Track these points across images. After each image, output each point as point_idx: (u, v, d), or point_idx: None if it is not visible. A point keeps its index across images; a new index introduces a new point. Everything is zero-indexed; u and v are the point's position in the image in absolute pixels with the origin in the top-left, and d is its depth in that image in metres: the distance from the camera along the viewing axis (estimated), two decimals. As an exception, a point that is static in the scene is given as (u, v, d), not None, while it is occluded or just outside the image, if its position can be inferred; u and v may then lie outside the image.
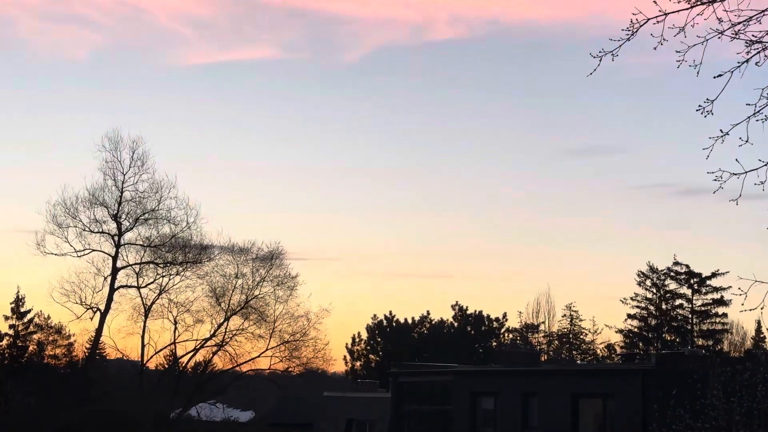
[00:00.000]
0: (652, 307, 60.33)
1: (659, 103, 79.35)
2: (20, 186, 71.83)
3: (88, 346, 46.96)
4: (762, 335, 57.82)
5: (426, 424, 41.28)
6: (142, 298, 45.53)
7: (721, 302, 57.49)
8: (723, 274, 57.27)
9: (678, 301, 60.08)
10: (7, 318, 50.00)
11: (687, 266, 58.29)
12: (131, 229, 45.33)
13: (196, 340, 46.48)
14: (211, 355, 47.14)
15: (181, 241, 45.42)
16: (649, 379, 30.77)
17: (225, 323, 45.41)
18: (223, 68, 72.74)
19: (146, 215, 45.30)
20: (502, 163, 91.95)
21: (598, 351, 65.23)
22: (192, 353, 46.86)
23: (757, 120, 7.47)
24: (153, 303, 45.34)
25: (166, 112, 72.94)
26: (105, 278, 44.12)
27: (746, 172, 7.63)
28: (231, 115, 74.55)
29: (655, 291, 60.22)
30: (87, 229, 44.80)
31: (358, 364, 69.25)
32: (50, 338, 51.99)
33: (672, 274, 59.46)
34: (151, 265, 45.61)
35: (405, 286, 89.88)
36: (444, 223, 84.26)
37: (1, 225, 68.75)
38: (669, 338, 59.41)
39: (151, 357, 46.18)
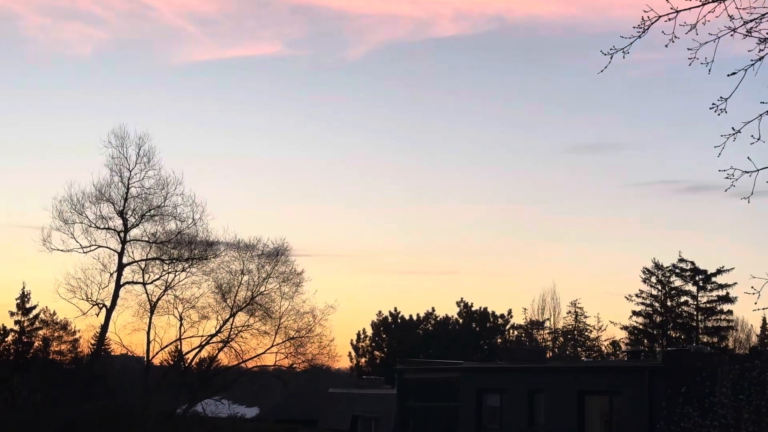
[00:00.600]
0: (657, 304, 59.98)
1: (664, 100, 79.46)
2: (26, 182, 72.15)
3: (93, 342, 46.80)
4: (767, 332, 57.44)
5: (431, 421, 41.12)
6: (147, 295, 44.94)
7: (727, 299, 57.14)
8: (728, 270, 56.86)
9: (683, 298, 59.83)
10: (12, 314, 49.82)
11: (692, 263, 57.89)
12: (137, 225, 44.76)
13: (202, 336, 46.02)
14: (216, 351, 46.68)
15: (187, 238, 44.82)
16: (655, 377, 30.53)
17: (231, 319, 45.03)
18: (227, 65, 72.78)
19: (152, 212, 44.75)
20: (507, 160, 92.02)
21: (603, 348, 64.97)
22: (197, 349, 46.46)
23: None
24: (159, 299, 44.88)
25: (171, 109, 73.04)
26: (111, 274, 43.66)
27: (758, 170, 7.53)
28: (236, 111, 74.43)
29: (660, 288, 59.83)
30: (93, 225, 44.22)
31: (363, 360, 69.66)
32: (56, 334, 51.69)
33: (677, 270, 59.13)
34: (157, 262, 45.10)
35: (410, 283, 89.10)
36: (450, 220, 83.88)
37: (7, 221, 68.55)
38: (674, 335, 58.98)
39: (157, 353, 45.58)
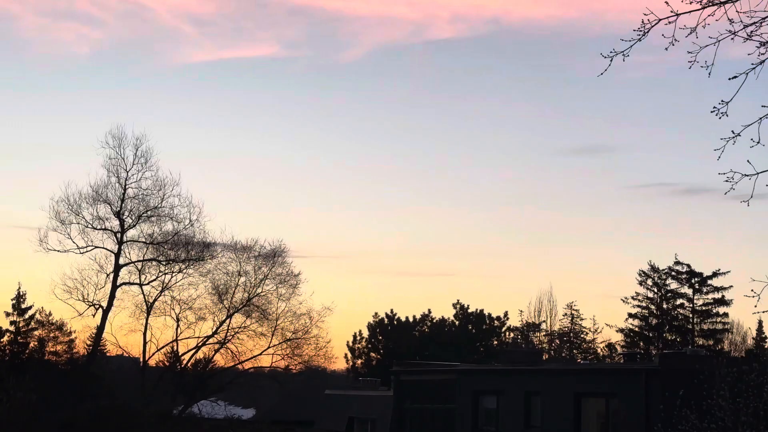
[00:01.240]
0: (653, 307, 59.91)
1: (661, 103, 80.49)
2: (22, 183, 72.43)
3: (89, 342, 46.77)
4: (764, 335, 56.86)
5: (428, 423, 40.82)
6: (144, 296, 44.90)
7: (722, 302, 57.31)
8: (724, 273, 57.00)
9: (679, 301, 59.67)
10: (8, 314, 49.84)
11: (688, 266, 57.95)
12: (134, 226, 44.62)
13: (198, 337, 46.32)
14: (213, 352, 46.62)
15: (183, 239, 44.85)
16: (652, 379, 30.49)
17: (227, 321, 45.00)
18: (224, 66, 72.72)
19: (149, 212, 44.65)
20: (504, 162, 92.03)
21: (599, 350, 64.98)
22: (194, 351, 46.36)
23: None
24: (155, 300, 44.80)
25: (168, 110, 73.69)
26: (107, 275, 43.62)
27: (758, 174, 7.66)
28: (233, 112, 74.98)
29: (656, 290, 59.78)
30: (90, 225, 44.21)
31: (359, 362, 68.42)
32: (51, 335, 51.34)
33: (673, 273, 59.03)
34: (154, 263, 45.00)
35: (407, 285, 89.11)
36: (446, 222, 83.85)
37: (4, 221, 68.78)
38: (670, 338, 59.03)
39: (153, 354, 45.58)
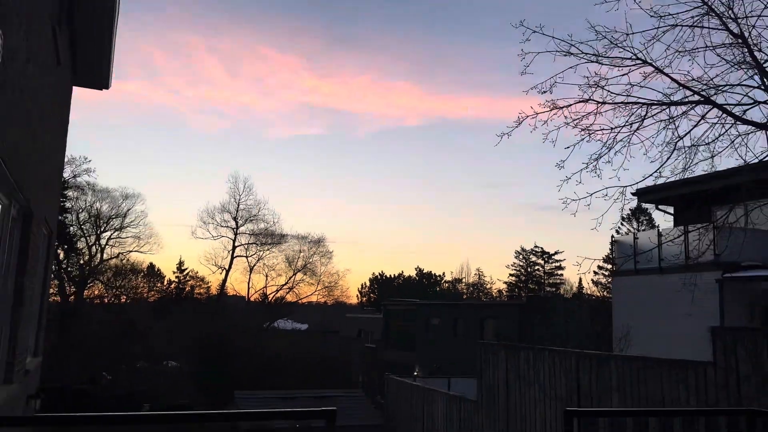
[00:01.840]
0: (522, 269, 69.47)
1: (534, 159, 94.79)
2: (185, 200, 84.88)
3: (218, 288, 56.96)
4: (581, 287, 62.34)
5: (401, 333, 44.62)
6: (248, 263, 57.48)
7: (560, 268, 67.59)
8: (561, 252, 67.70)
9: (536, 267, 68.86)
10: (174, 273, 58.68)
11: (542, 248, 68.57)
12: (243, 225, 56.88)
13: (277, 286, 59.13)
14: (285, 293, 58.14)
15: (270, 232, 57.15)
16: (522, 309, 34.61)
17: (293, 276, 58.17)
18: (295, 139, 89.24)
19: (251, 218, 57.12)
20: (438, 193, 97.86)
21: (494, 293, 73.63)
22: (275, 293, 58.22)
23: (587, 171, 8.83)
24: (254, 265, 57.36)
25: (265, 162, 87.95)
26: (229, 251, 56.53)
27: (579, 199, 8.69)
28: (299, 165, 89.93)
29: (524, 260, 69.24)
30: (219, 224, 56.68)
31: (364, 299, 77.48)
32: (197, 284, 57.85)
33: (534, 251, 68.76)
34: (254, 245, 57.46)
35: (391, 255, 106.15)
36: (416, 218, 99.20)
37: (171, 222, 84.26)
38: (532, 287, 67.21)
39: (252, 294, 57.65)
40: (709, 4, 8.38)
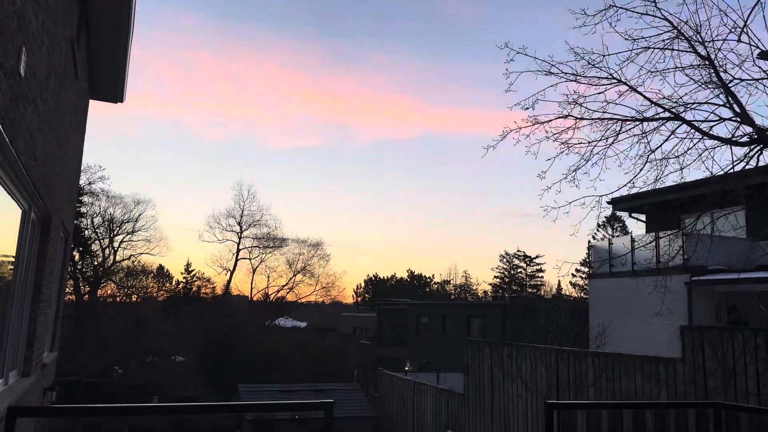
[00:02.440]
0: (506, 272, 69.45)
1: (515, 166, 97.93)
2: (191, 206, 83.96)
3: (222, 288, 57.28)
4: (560, 288, 63.78)
5: (393, 330, 44.39)
6: (251, 264, 57.65)
7: (541, 270, 67.97)
8: (543, 255, 67.98)
9: (519, 269, 68.80)
10: (182, 273, 58.76)
11: (524, 252, 69.00)
12: (247, 229, 56.80)
13: (278, 286, 59.13)
14: (286, 293, 57.60)
15: (272, 236, 57.08)
16: (506, 309, 33.95)
17: (293, 277, 57.35)
18: (295, 149, 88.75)
19: (255, 222, 56.93)
20: (426, 202, 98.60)
21: (480, 294, 73.73)
22: (276, 292, 57.64)
23: (567, 181, 8.94)
24: (257, 267, 57.15)
25: (265, 171, 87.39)
26: (233, 254, 56.72)
27: (559, 207, 8.75)
28: (299, 174, 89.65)
29: (508, 263, 69.29)
30: (225, 229, 56.88)
31: (359, 299, 78.17)
32: (203, 284, 57.79)
33: (517, 255, 68.97)
34: (257, 248, 57.12)
35: (383, 257, 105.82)
36: (406, 224, 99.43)
37: (179, 226, 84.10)
38: (515, 288, 67.44)
39: (255, 294, 57.48)
40: (679, 28, 8.48)
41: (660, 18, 8.46)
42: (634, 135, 8.83)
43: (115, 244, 50.56)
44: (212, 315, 43.92)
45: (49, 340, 9.15)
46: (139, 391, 31.56)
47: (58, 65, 5.81)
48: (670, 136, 8.64)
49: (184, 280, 57.65)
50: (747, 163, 8.22)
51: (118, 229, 50.50)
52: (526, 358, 14.48)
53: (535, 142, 9.00)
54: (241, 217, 56.46)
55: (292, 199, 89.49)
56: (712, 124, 8.47)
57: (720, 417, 5.45)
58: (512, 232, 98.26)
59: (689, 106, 8.59)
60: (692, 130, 8.53)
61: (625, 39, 8.60)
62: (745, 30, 7.95)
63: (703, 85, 8.47)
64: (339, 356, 39.77)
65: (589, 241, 22.91)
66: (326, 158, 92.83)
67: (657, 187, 8.95)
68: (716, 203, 9.10)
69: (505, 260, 68.60)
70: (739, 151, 8.39)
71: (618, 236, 44.03)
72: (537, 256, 67.35)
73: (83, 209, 45.49)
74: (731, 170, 8.38)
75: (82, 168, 12.90)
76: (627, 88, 8.78)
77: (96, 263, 48.46)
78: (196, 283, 57.39)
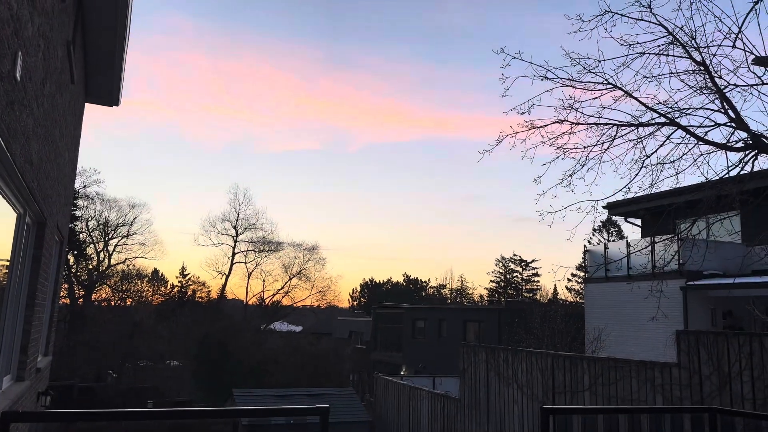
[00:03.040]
0: (502, 276, 68.85)
1: (509, 168, 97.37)
2: (188, 210, 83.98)
3: (218, 292, 56.36)
4: (556, 293, 63.70)
5: (389, 334, 44.37)
6: (247, 268, 56.63)
7: (537, 275, 67.83)
8: (538, 260, 67.71)
9: (515, 274, 68.23)
10: (177, 277, 59.26)
11: (520, 256, 68.90)
12: (243, 233, 56.36)
13: (274, 290, 57.13)
14: (281, 297, 56.47)
15: (267, 240, 56.62)
16: (502, 313, 34.22)
17: (288, 281, 56.74)
18: (291, 153, 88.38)
19: (250, 226, 56.57)
20: (423, 208, 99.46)
21: (476, 298, 74.06)
22: (271, 297, 56.39)
23: (562, 186, 8.90)
24: (252, 271, 56.13)
25: (261, 175, 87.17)
26: (229, 258, 55.73)
27: (555, 211, 8.73)
28: (295, 177, 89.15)
29: (504, 267, 68.73)
30: (220, 232, 56.57)
31: (355, 303, 76.97)
32: (198, 288, 57.43)
33: (513, 259, 68.69)
34: (253, 252, 56.37)
35: (380, 263, 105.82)
36: (407, 233, 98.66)
37: (175, 229, 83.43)
38: (510, 292, 66.95)
39: (250, 298, 55.97)
40: (674, 34, 8.48)
41: (655, 23, 8.49)
42: (630, 140, 8.86)
43: (110, 248, 50.51)
44: (207, 319, 43.37)
45: (43, 345, 9.12)
46: (134, 395, 31.34)
47: (54, 69, 5.81)
48: (665, 141, 8.67)
49: (179, 284, 57.56)
50: (742, 168, 8.25)
51: (113, 232, 50.50)
52: (521, 362, 14.48)
53: (531, 147, 9.00)
54: (237, 220, 56.52)
55: (288, 203, 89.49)
56: (707, 129, 8.51)
57: (715, 422, 5.47)
58: (508, 236, 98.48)
59: (684, 111, 8.62)
60: (687, 135, 8.55)
61: (621, 44, 8.63)
62: (739, 36, 7.96)
63: (698, 91, 8.48)
64: (334, 361, 39.55)
65: (584, 246, 22.99)
66: (323, 161, 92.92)
67: (652, 192, 8.96)
68: (711, 208, 9.12)
69: (501, 264, 69.06)
70: (734, 157, 8.42)
71: (614, 241, 44.07)
72: (533, 261, 67.99)
73: (78, 213, 45.46)
74: (726, 175, 8.39)
75: (77, 171, 12.87)
76: (622, 93, 8.80)
77: (91, 267, 48.33)
78: (191, 287, 57.40)
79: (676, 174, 8.60)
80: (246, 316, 51.53)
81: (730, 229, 14.40)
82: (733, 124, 8.29)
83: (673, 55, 8.50)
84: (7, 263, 5.50)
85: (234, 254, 56.05)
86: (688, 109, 8.56)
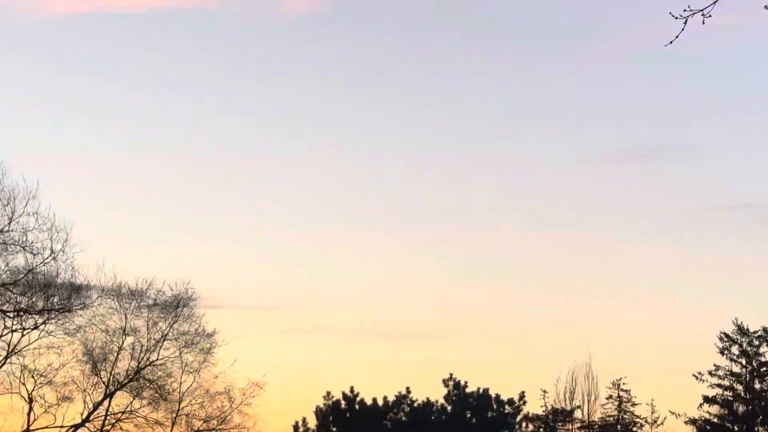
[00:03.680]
0: (739, 387, 40.98)
1: (740, 88, 52.56)
2: None
3: None
4: None
5: None
6: None
7: None
8: None
9: None
10: None
11: None
12: None
13: (62, 426, 30.27)
14: None
15: (42, 279, 29.09)
16: None
17: (106, 402, 30.44)
18: (98, 19, 43.95)
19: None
20: (507, 172, 56.12)
21: None
22: None
23: None
24: None
25: (14, 82, 44.97)
26: None
27: None
28: (118, 93, 46.52)
29: (744, 362, 40.69)
30: None
31: None
32: None
33: None
34: None
35: (374, 350, 53.94)
36: (427, 259, 52.78)
37: None
38: None
39: None
40: None
41: None
42: None
43: None
44: None
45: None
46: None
47: None
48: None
49: None
50: None
51: None
52: None
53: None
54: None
55: (107, 173, 49.44)
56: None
57: None
58: (754, 268, 51.78)
59: None
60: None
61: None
62: None
63: None
64: None
65: None
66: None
67: None
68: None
69: (735, 349, 39.63)
70: None
71: None
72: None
73: None
74: None
75: None
76: None
77: None
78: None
79: None
80: None
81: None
82: None
83: None
84: None
85: None
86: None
